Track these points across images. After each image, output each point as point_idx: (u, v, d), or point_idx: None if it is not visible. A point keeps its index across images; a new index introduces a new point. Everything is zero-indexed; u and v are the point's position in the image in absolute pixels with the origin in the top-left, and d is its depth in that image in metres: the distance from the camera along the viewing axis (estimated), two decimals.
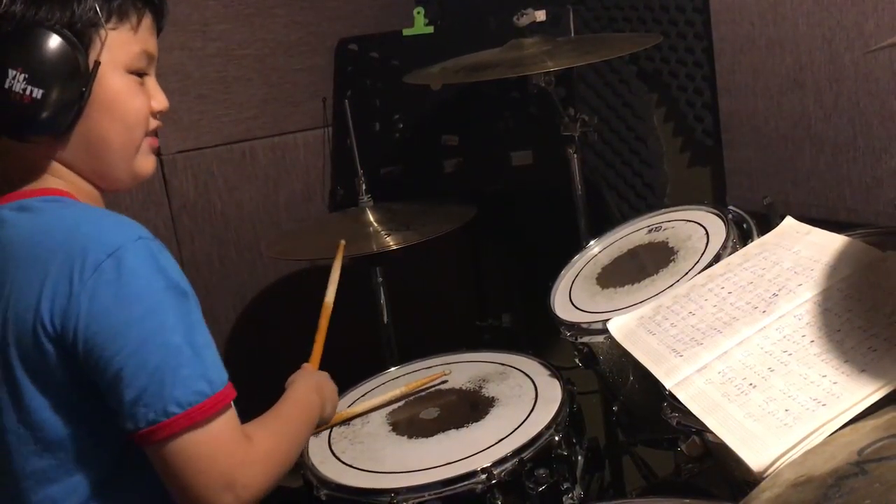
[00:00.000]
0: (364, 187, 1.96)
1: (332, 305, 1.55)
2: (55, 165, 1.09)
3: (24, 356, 1.01)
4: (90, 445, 1.05)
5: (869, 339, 0.99)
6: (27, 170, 1.08)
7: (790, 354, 1.04)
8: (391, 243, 1.84)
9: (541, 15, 1.88)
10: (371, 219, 1.94)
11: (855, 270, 1.11)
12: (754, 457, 0.93)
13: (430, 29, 2.24)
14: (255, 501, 1.09)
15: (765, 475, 0.90)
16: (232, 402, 1.05)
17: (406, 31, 2.25)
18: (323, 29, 2.33)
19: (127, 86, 1.09)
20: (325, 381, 1.40)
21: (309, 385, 1.34)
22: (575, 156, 1.80)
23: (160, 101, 1.15)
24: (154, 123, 1.15)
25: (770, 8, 1.79)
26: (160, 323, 0.99)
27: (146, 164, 1.15)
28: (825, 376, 0.98)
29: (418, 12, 2.26)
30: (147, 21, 1.11)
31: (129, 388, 0.98)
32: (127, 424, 1.00)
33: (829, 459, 0.80)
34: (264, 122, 2.26)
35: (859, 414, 0.91)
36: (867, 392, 0.92)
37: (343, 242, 1.69)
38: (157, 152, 2.09)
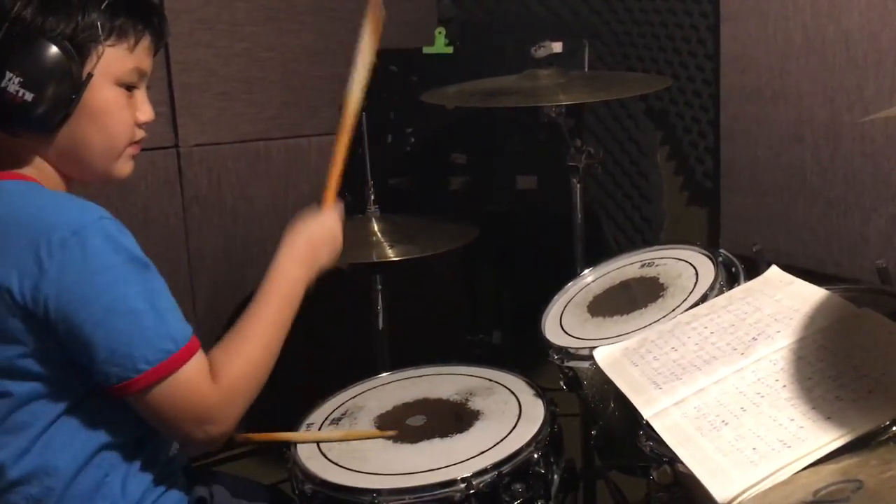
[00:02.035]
0: (372, 196, 2.02)
1: (359, 106, 1.42)
2: (33, 157, 1.16)
3: None
4: (56, 394, 1.12)
5: (837, 389, 1.05)
6: (7, 156, 1.15)
7: (763, 396, 1.10)
8: (392, 255, 1.89)
9: (557, 46, 1.94)
10: (376, 228, 1.99)
11: (831, 323, 1.17)
12: (720, 489, 0.98)
13: (450, 49, 2.30)
14: (236, 423, 1.17)
15: None
16: (198, 352, 1.13)
17: (426, 50, 2.32)
18: (347, 39, 2.36)
19: (115, 98, 1.16)
20: (322, 230, 1.34)
21: (293, 256, 1.29)
22: (578, 185, 1.85)
23: (146, 113, 1.20)
24: (140, 133, 1.21)
25: (778, 63, 1.86)
26: (124, 292, 1.08)
27: (123, 169, 1.21)
28: (793, 420, 1.04)
29: (440, 32, 2.32)
30: (145, 42, 1.18)
31: (100, 350, 1.07)
32: (100, 380, 1.09)
33: (787, 497, 0.86)
34: (281, 124, 2.32)
35: (821, 458, 0.97)
36: (830, 438, 0.98)
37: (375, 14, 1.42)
38: (175, 144, 2.19)
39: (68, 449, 1.14)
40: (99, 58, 1.12)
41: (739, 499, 0.96)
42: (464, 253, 2.03)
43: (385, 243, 1.94)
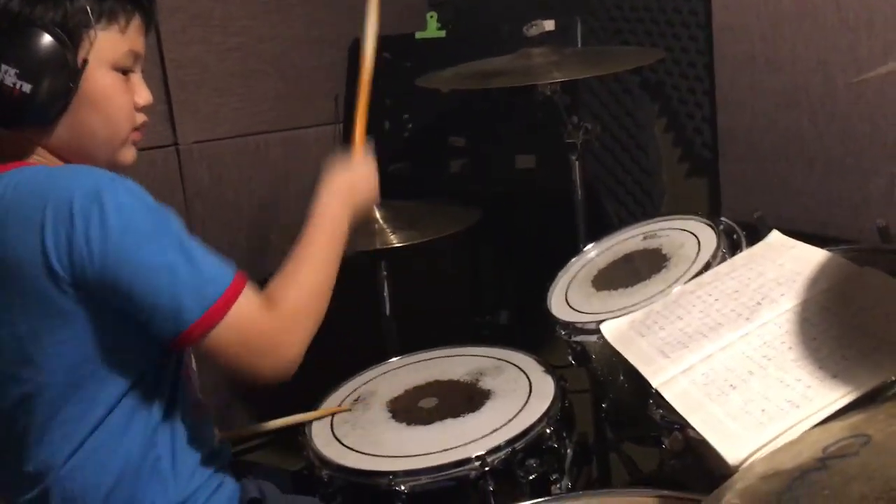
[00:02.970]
0: None
1: (372, 66, 1.48)
2: (36, 148, 1.15)
3: (40, 308, 1.08)
4: (115, 373, 1.13)
5: (842, 348, 1.06)
6: (10, 150, 1.15)
7: (769, 359, 1.12)
8: (395, 241, 1.90)
9: (550, 25, 1.94)
10: (378, 215, 2.00)
11: (833, 284, 1.18)
12: (731, 452, 1.00)
13: (443, 33, 2.31)
14: (301, 351, 1.17)
15: (739, 469, 0.97)
16: (246, 287, 1.13)
17: (419, 35, 2.32)
18: (339, 28, 2.39)
19: (112, 83, 1.15)
20: (359, 174, 1.37)
21: (335, 194, 1.31)
22: (577, 162, 1.86)
23: (144, 97, 1.19)
24: (140, 118, 1.20)
25: (770, 29, 1.86)
26: (155, 246, 1.07)
27: (126, 155, 1.21)
28: (800, 380, 1.05)
29: (431, 16, 2.32)
30: (136, 22, 1.16)
31: (146, 308, 1.07)
32: (159, 340, 1.10)
33: (797, 456, 0.88)
34: (279, 116, 2.33)
35: (829, 416, 0.98)
36: (837, 396, 1.00)
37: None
38: (174, 142, 2.20)
39: (127, 433, 1.14)
40: (92, 43, 1.10)
41: (750, 460, 0.97)
42: (467, 235, 2.04)
43: (388, 230, 1.95)
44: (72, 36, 1.09)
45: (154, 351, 1.15)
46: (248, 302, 1.12)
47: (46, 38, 1.07)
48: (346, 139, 2.39)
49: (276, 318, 1.15)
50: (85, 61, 1.10)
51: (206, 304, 1.08)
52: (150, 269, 1.06)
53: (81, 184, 1.07)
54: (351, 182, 1.34)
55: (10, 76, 1.05)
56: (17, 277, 1.07)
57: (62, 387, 1.11)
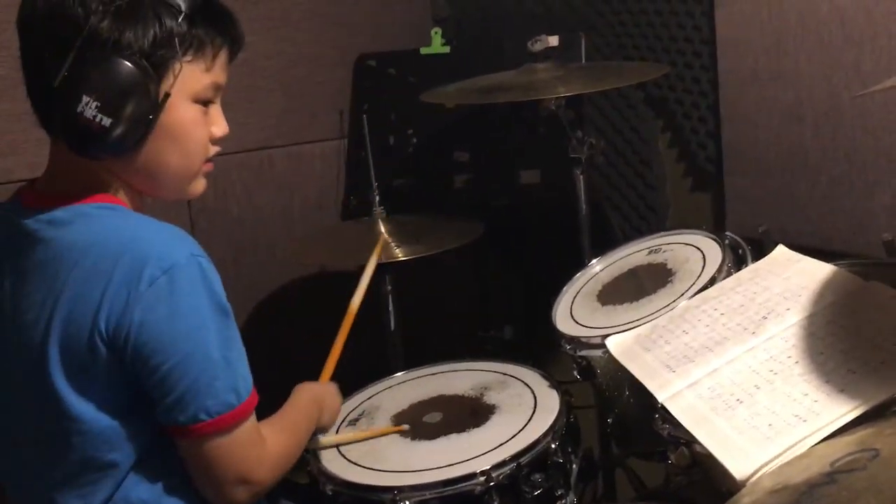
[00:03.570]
0: (377, 198, 2.03)
1: (356, 309, 1.60)
2: (112, 178, 1.13)
3: (71, 356, 1.07)
4: (126, 434, 1.12)
5: (849, 362, 1.06)
6: (82, 179, 1.12)
7: (776, 374, 1.11)
8: (400, 255, 1.91)
9: (554, 40, 1.95)
10: (382, 229, 2.00)
11: (839, 298, 1.18)
12: (738, 467, 1.00)
13: (447, 49, 2.31)
14: (263, 495, 1.20)
15: (747, 484, 0.97)
16: (253, 409, 1.15)
17: (423, 50, 2.33)
18: (344, 44, 2.41)
19: (192, 116, 1.13)
20: (329, 394, 1.48)
21: (312, 395, 1.43)
22: (581, 176, 1.86)
23: (221, 128, 1.18)
24: (213, 150, 1.19)
25: (774, 44, 1.86)
26: (203, 339, 1.08)
27: (197, 187, 1.21)
28: (807, 395, 1.05)
29: (436, 32, 2.33)
30: (223, 56, 1.15)
31: (170, 392, 1.08)
32: (161, 419, 1.10)
33: (805, 470, 0.87)
34: (284, 132, 2.34)
35: (837, 430, 0.98)
36: (845, 410, 0.99)
37: (382, 240, 1.78)
38: None
39: (146, 491, 1.14)
40: (176, 76, 1.08)
41: (758, 475, 0.97)
42: (471, 250, 2.04)
43: (392, 244, 1.95)
44: (157, 67, 1.06)
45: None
46: (251, 426, 1.15)
47: (131, 71, 1.03)
48: (350, 156, 2.40)
49: (263, 451, 1.18)
50: (167, 94, 1.08)
51: (222, 410, 1.10)
52: (190, 358, 1.07)
53: (162, 251, 1.05)
54: (322, 395, 1.46)
55: (90, 108, 1.02)
56: (68, 315, 1.06)
57: (78, 436, 1.11)
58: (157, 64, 1.06)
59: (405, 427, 1.48)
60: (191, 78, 1.11)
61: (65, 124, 1.04)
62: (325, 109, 2.40)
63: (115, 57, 1.03)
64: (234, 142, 2.31)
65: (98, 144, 1.05)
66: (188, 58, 1.10)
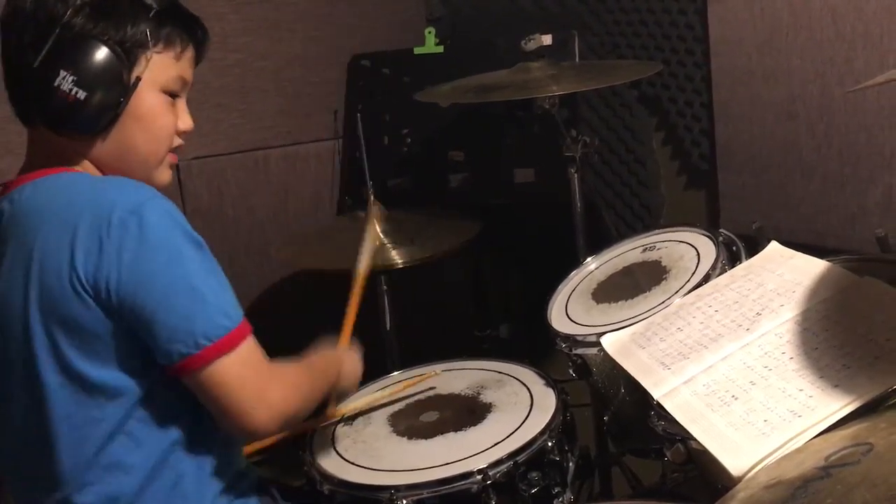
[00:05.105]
0: (373, 198, 2.03)
1: (365, 273, 1.61)
2: (80, 158, 1.19)
3: (56, 311, 1.10)
4: (126, 384, 1.14)
5: (843, 357, 1.06)
6: (54, 159, 1.18)
7: (770, 369, 1.12)
8: (396, 257, 1.91)
9: (547, 39, 1.96)
10: (378, 230, 2.00)
11: (833, 294, 1.18)
12: (734, 462, 1.00)
13: (441, 48, 2.32)
14: (281, 425, 1.22)
15: (742, 479, 0.97)
16: (252, 334, 1.17)
17: (417, 50, 2.34)
18: (338, 45, 2.41)
19: (160, 103, 1.20)
20: (350, 358, 1.46)
21: (333, 355, 1.42)
22: (576, 175, 1.87)
23: (186, 122, 1.26)
24: (178, 141, 1.25)
25: (766, 42, 1.87)
26: (182, 269, 1.10)
27: (164, 176, 1.25)
28: (802, 390, 1.05)
29: (430, 32, 2.34)
30: (189, 53, 1.23)
31: (163, 328, 1.10)
32: (163, 360, 1.12)
33: (799, 465, 0.88)
34: (278, 132, 2.34)
35: (831, 425, 0.98)
36: (839, 405, 1.00)
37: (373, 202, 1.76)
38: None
39: (143, 445, 1.16)
40: (147, 64, 1.16)
41: (754, 470, 0.97)
42: (467, 249, 2.05)
43: (388, 244, 1.96)
44: (129, 54, 1.14)
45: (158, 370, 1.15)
46: (252, 346, 1.17)
47: (105, 52, 1.12)
48: (345, 156, 2.40)
49: (275, 370, 1.20)
50: (138, 79, 1.16)
51: (220, 333, 1.11)
52: (175, 289, 1.09)
53: (125, 196, 1.10)
54: (343, 358, 1.45)
55: (67, 82, 1.10)
56: (41, 274, 1.09)
57: (69, 395, 1.12)
58: (129, 51, 1.15)
59: (438, 371, 1.52)
60: (160, 68, 1.18)
61: (42, 98, 1.11)
62: (319, 109, 2.40)
63: (92, 40, 1.12)
64: (229, 142, 2.34)
65: (73, 118, 1.12)
66: (158, 49, 1.17)
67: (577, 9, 2.36)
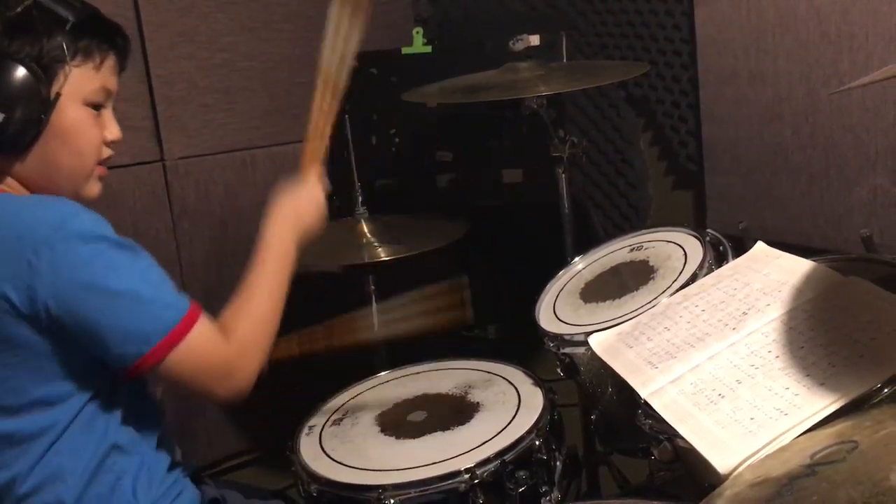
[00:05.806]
0: (360, 199, 2.03)
1: (336, 75, 1.43)
2: (4, 176, 1.17)
3: None
4: (66, 394, 1.14)
5: (829, 356, 1.07)
6: None
7: (757, 368, 1.12)
8: (383, 255, 1.91)
9: (535, 40, 1.96)
10: (365, 230, 2.01)
11: (819, 293, 1.19)
12: (720, 460, 1.00)
13: (429, 49, 2.32)
14: (261, 359, 1.22)
15: (729, 477, 0.97)
16: (202, 316, 1.16)
17: (405, 50, 2.33)
18: None
19: (83, 118, 1.18)
20: (305, 199, 1.37)
21: (281, 222, 1.33)
22: (563, 175, 1.87)
23: (113, 132, 1.23)
24: (107, 152, 1.23)
25: (753, 43, 1.88)
26: (116, 275, 1.10)
27: (92, 189, 1.23)
28: (788, 389, 1.06)
29: (417, 32, 2.33)
30: (110, 62, 1.20)
31: (111, 335, 1.10)
32: (116, 364, 1.12)
33: (785, 462, 0.88)
34: (265, 133, 2.34)
35: (817, 423, 0.99)
36: (825, 403, 1.00)
37: None
38: (160, 158, 2.19)
39: (81, 453, 1.16)
40: (66, 78, 1.14)
41: (741, 468, 0.98)
42: (454, 249, 2.05)
43: (376, 244, 1.96)
44: (46, 70, 1.12)
45: (104, 375, 1.16)
46: (203, 329, 1.16)
47: (21, 71, 1.10)
48: (332, 157, 2.39)
49: (230, 345, 1.19)
50: (58, 95, 1.14)
51: (168, 326, 1.12)
52: (112, 297, 1.10)
53: (47, 214, 1.09)
54: (296, 207, 1.35)
55: None
56: None
57: (9, 408, 1.12)
58: (46, 67, 1.12)
59: None
60: (80, 81, 1.16)
61: None
62: (307, 110, 2.38)
63: (6, 59, 1.10)
64: (215, 142, 2.33)
65: None
66: (76, 62, 1.15)
67: (565, 10, 2.37)
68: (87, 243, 1.08)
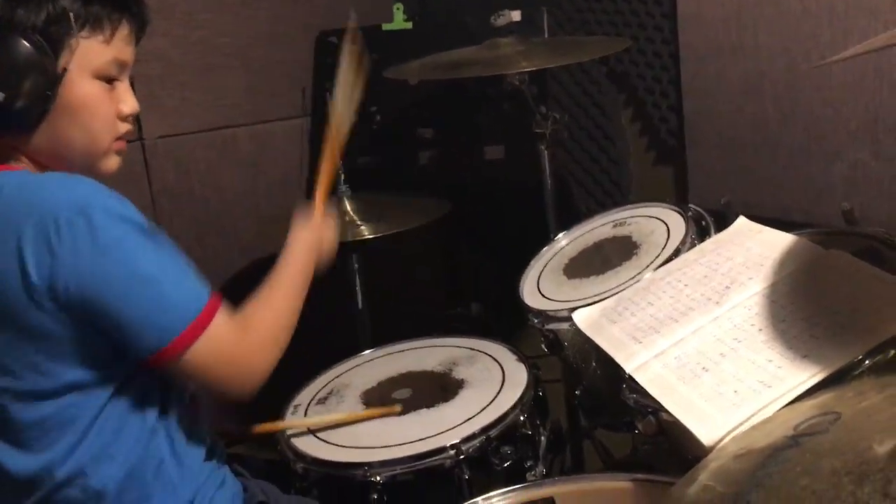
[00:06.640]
0: (342, 177, 2.02)
1: (345, 116, 1.50)
2: (16, 154, 1.13)
3: (14, 320, 1.06)
4: (96, 379, 1.11)
5: (811, 328, 1.08)
6: None
7: (740, 341, 1.13)
8: (366, 233, 1.90)
9: (516, 15, 1.95)
10: (348, 208, 2.00)
11: (800, 266, 1.20)
12: (705, 433, 1.01)
13: (409, 25, 2.30)
14: (276, 356, 1.21)
15: (713, 450, 0.98)
16: (223, 307, 1.14)
17: (385, 26, 2.31)
18: (304, 21, 2.38)
19: (94, 92, 1.12)
20: (327, 229, 1.42)
21: (307, 242, 1.36)
22: (545, 152, 1.87)
23: (130, 105, 1.17)
24: (124, 127, 1.18)
25: (733, 16, 1.88)
26: (139, 262, 1.07)
27: (110, 165, 1.18)
28: (771, 361, 1.07)
29: (398, 8, 2.31)
30: (123, 31, 1.14)
31: (132, 324, 1.07)
32: (137, 354, 1.10)
33: (769, 434, 0.89)
34: (245, 111, 2.32)
35: (800, 395, 1.00)
36: (808, 375, 1.01)
37: (354, 25, 1.57)
38: (139, 137, 2.17)
39: (121, 436, 1.13)
40: (73, 51, 1.08)
41: (725, 440, 0.98)
42: (437, 227, 2.04)
43: (358, 222, 1.95)
44: (52, 43, 1.07)
45: (130, 362, 1.13)
46: (225, 320, 1.14)
47: (24, 46, 1.05)
48: (313, 135, 2.38)
49: (250, 338, 1.17)
50: (65, 69, 1.08)
51: (189, 317, 1.09)
52: (134, 284, 1.07)
53: (69, 195, 1.06)
54: (318, 232, 1.39)
55: None
56: None
57: (41, 395, 1.10)
58: (52, 40, 1.07)
59: (398, 409, 1.45)
60: (90, 54, 1.11)
61: None
62: (287, 88, 2.37)
63: (9, 34, 1.04)
64: (195, 121, 2.31)
65: None
66: (85, 34, 1.10)
67: None
68: (109, 230, 1.04)
